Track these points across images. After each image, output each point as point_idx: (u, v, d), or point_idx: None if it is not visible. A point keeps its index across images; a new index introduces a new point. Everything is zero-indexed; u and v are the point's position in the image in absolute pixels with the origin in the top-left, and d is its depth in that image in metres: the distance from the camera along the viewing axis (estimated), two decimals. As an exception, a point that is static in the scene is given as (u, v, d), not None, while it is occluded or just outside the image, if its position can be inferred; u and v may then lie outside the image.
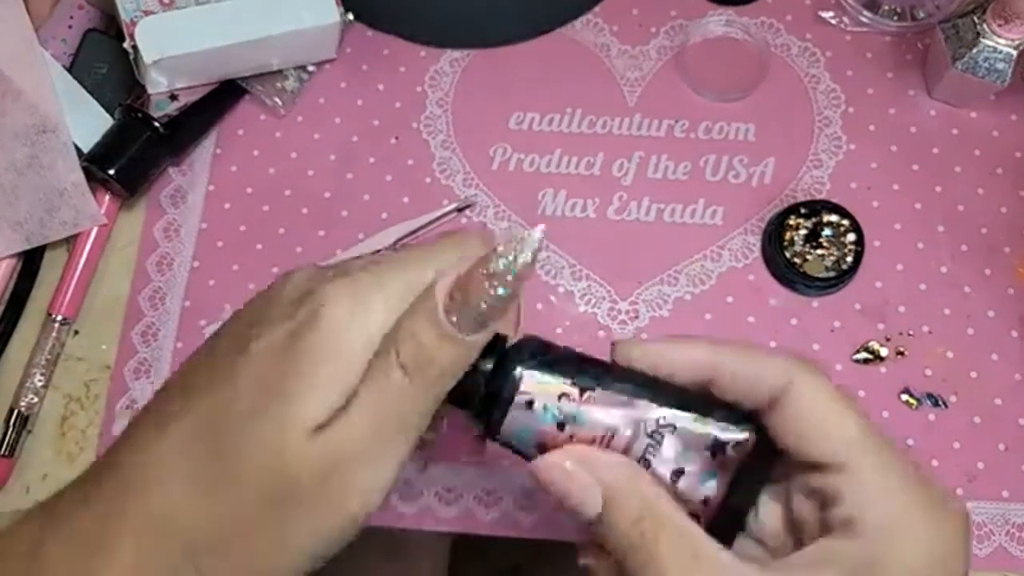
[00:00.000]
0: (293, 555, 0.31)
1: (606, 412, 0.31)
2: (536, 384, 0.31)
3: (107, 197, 0.55)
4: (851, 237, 0.53)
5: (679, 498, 0.32)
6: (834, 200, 0.54)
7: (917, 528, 0.29)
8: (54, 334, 0.53)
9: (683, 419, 0.32)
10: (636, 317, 0.53)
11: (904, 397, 0.51)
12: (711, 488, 0.32)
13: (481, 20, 0.59)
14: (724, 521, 0.32)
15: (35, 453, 0.52)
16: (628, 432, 0.31)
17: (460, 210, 0.55)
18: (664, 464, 0.32)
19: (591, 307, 0.54)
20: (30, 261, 0.55)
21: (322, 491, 0.30)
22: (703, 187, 0.56)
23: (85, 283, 0.54)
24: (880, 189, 0.55)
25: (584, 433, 0.31)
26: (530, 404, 0.31)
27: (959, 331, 0.52)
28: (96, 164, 0.53)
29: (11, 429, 0.51)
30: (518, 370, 0.31)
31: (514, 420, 0.31)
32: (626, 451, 0.31)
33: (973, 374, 0.52)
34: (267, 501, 0.30)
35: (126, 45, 0.52)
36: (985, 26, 0.52)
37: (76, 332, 0.54)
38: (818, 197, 0.55)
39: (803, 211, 0.53)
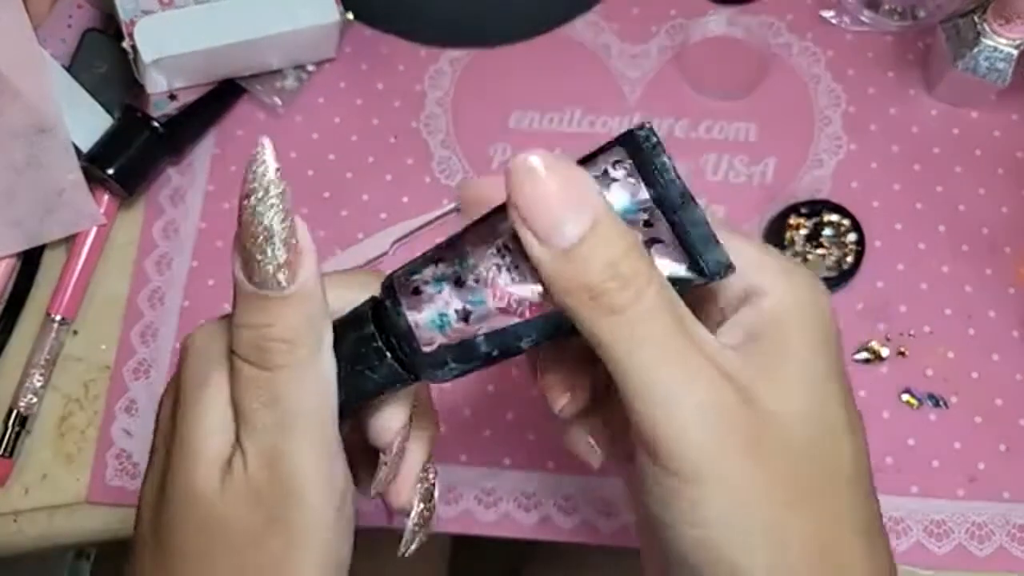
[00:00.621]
0: None
1: (484, 262, 0.27)
2: (422, 315, 0.28)
3: (106, 197, 0.55)
4: (852, 237, 0.52)
5: None
6: (835, 200, 0.53)
7: (796, 280, 0.29)
8: (53, 334, 0.53)
9: None
10: (636, 317, 0.53)
11: (905, 397, 0.51)
12: (642, 212, 0.28)
13: (481, 19, 0.59)
14: (686, 228, 0.27)
15: (34, 453, 0.52)
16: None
17: (459, 210, 0.55)
18: None
19: (591, 307, 0.53)
20: (29, 261, 0.55)
21: (268, 518, 0.28)
22: (704, 187, 0.55)
23: (84, 283, 0.54)
24: (881, 189, 0.55)
25: (493, 305, 0.28)
26: (442, 327, 0.27)
27: (960, 331, 0.52)
28: (95, 164, 0.53)
29: (10, 429, 0.51)
30: (402, 317, 0.28)
31: (434, 353, 0.28)
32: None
33: (974, 374, 0.52)
34: (234, 558, 0.28)
35: (125, 44, 0.52)
36: (986, 26, 0.52)
37: (75, 332, 0.54)
38: (819, 197, 0.54)
39: (804, 211, 0.53)
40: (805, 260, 0.52)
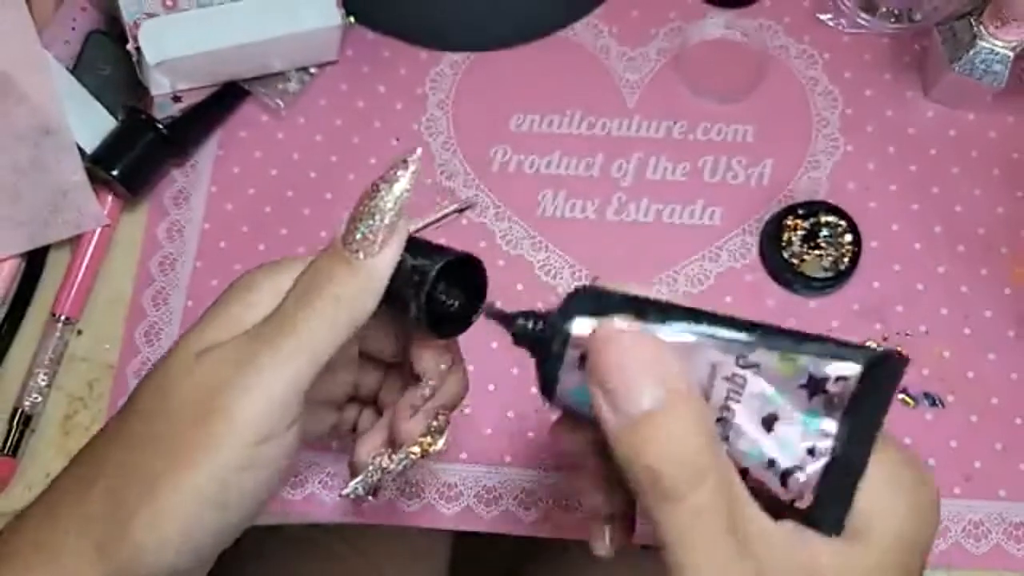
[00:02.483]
0: (183, 491, 0.30)
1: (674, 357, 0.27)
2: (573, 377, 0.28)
3: (110, 198, 0.55)
4: (848, 238, 0.53)
5: (776, 450, 0.27)
6: (832, 201, 0.54)
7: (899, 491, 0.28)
8: (57, 334, 0.53)
9: (767, 355, 0.26)
10: (635, 317, 0.54)
11: (901, 396, 0.52)
12: (814, 435, 0.27)
13: (481, 22, 0.59)
14: (836, 478, 0.27)
15: (38, 452, 0.52)
16: (703, 376, 0.27)
17: (461, 211, 0.56)
18: (751, 411, 0.27)
19: (591, 307, 0.54)
20: (34, 261, 0.55)
21: (200, 414, 0.30)
22: (702, 188, 0.56)
23: (88, 283, 0.54)
24: (878, 190, 0.55)
25: None
26: (583, 359, 0.27)
27: (956, 331, 0.53)
28: (99, 165, 0.53)
29: (14, 428, 0.51)
30: (568, 323, 0.28)
31: (568, 379, 0.28)
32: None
33: (970, 374, 0.52)
34: (151, 428, 0.31)
35: (129, 47, 0.52)
36: (982, 28, 0.52)
37: (79, 332, 0.54)
38: (816, 198, 0.55)
39: (801, 212, 0.53)
40: (802, 261, 0.52)
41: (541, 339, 0.29)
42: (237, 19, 0.53)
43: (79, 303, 0.54)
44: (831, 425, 0.27)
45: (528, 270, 0.55)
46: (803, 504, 0.27)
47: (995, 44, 0.52)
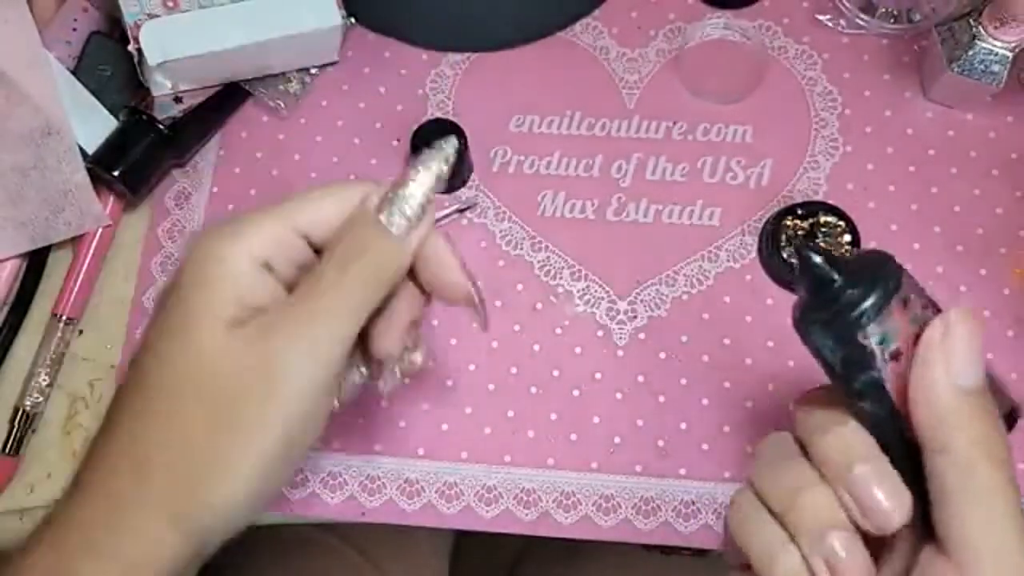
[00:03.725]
0: (252, 456, 0.32)
1: None
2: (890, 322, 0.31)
3: (111, 198, 0.55)
4: (847, 238, 0.53)
5: None
6: (830, 201, 0.54)
7: None
8: (59, 334, 0.53)
9: None
10: (635, 317, 0.54)
11: (900, 396, 0.52)
12: None
13: (482, 23, 0.60)
14: None
15: (39, 452, 0.53)
16: None
17: (461, 211, 0.56)
18: None
19: (590, 307, 0.54)
20: (35, 262, 0.55)
21: (258, 382, 0.32)
22: (701, 188, 0.56)
23: (90, 283, 0.55)
24: (876, 190, 0.56)
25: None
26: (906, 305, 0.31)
27: (955, 331, 0.53)
28: (101, 166, 0.54)
29: (16, 428, 0.52)
30: (883, 285, 0.31)
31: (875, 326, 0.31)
32: None
33: (969, 373, 0.52)
34: (204, 403, 0.32)
35: (130, 48, 0.52)
36: (981, 28, 0.52)
37: (81, 332, 0.55)
38: (815, 198, 0.55)
39: (800, 212, 0.53)
40: (802, 260, 0.53)
41: (827, 281, 0.32)
42: (238, 20, 0.53)
43: (80, 303, 0.54)
44: None
45: (528, 270, 0.55)
46: None
47: (994, 44, 0.52)
